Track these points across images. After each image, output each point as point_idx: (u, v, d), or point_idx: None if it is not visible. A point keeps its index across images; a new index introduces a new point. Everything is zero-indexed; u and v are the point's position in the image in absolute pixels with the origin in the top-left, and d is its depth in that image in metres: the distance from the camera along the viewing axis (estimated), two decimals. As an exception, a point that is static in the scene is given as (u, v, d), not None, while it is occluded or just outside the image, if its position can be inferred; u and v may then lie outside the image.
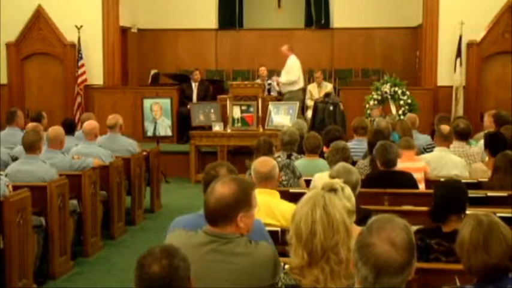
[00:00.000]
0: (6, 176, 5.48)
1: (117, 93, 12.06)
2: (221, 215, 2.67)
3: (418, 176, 5.52)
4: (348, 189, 3.16)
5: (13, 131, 7.60)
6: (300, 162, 5.82)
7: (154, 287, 2.09)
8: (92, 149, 6.97)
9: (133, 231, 7.39)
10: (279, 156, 5.87)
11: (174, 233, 2.87)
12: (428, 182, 5.65)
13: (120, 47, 12.68)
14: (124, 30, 13.57)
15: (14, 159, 6.36)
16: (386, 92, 9.90)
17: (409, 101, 9.87)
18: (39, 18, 12.15)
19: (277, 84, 11.46)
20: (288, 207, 3.85)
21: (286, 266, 2.60)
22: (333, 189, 2.88)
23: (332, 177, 3.81)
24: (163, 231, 3.39)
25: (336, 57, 14.79)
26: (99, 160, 6.78)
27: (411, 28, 13.70)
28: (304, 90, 11.64)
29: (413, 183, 5.37)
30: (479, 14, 11.33)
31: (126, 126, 8.69)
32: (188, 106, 11.01)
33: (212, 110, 10.39)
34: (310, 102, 11.57)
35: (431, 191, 4.08)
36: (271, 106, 10.18)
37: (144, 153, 8.14)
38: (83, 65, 12.01)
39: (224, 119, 10.20)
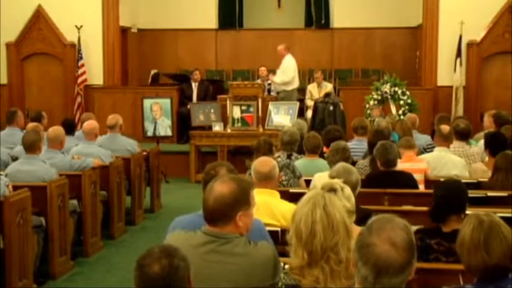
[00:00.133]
0: (6, 176, 5.48)
1: (117, 93, 12.06)
2: (220, 214, 2.66)
3: (417, 177, 5.52)
4: (347, 189, 3.16)
5: (13, 131, 7.60)
6: (300, 162, 5.82)
7: (154, 287, 2.09)
8: (92, 149, 6.97)
9: (133, 231, 7.39)
10: (279, 156, 5.87)
11: (173, 234, 2.87)
12: (428, 183, 5.65)
13: (120, 47, 12.69)
14: (124, 30, 13.57)
15: (14, 159, 6.36)
16: (386, 92, 9.90)
17: (409, 101, 9.87)
18: (39, 18, 12.15)
19: (270, 82, 11.49)
20: (288, 207, 3.85)
21: (286, 266, 2.60)
22: (332, 189, 2.88)
23: (332, 177, 3.81)
24: (163, 231, 3.40)
25: (336, 57, 14.79)
26: (99, 160, 6.78)
27: (411, 28, 13.71)
28: (298, 90, 11.65)
29: (413, 183, 5.36)
30: (479, 14, 11.33)
31: (126, 126, 8.69)
32: (188, 106, 11.01)
33: (212, 110, 10.39)
34: (310, 102, 11.57)
35: (431, 191, 4.08)
36: (271, 106, 10.18)
37: (144, 153, 8.13)
38: (83, 65, 12.01)
39: (224, 119, 10.20)
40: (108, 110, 10.21)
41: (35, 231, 5.32)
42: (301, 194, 2.72)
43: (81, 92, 11.99)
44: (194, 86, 11.88)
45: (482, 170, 5.88)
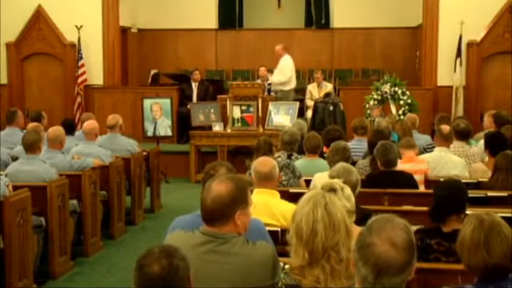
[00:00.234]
0: (6, 176, 5.48)
1: (117, 93, 12.06)
2: (218, 214, 2.65)
3: (418, 178, 5.52)
4: (347, 190, 3.16)
5: (13, 131, 7.60)
6: (300, 162, 5.82)
7: (154, 287, 2.08)
8: (92, 149, 6.96)
9: (133, 231, 7.39)
10: (279, 156, 5.86)
11: (173, 234, 2.86)
12: (428, 183, 5.65)
13: (120, 47, 12.69)
14: (124, 30, 13.57)
15: (14, 159, 6.36)
16: (386, 92, 9.90)
17: (409, 101, 9.86)
18: (39, 18, 12.15)
19: (270, 82, 11.50)
20: (288, 207, 3.85)
21: (287, 266, 2.60)
22: (332, 189, 2.88)
23: (332, 177, 3.81)
24: (163, 231, 3.40)
25: (336, 57, 14.80)
26: (99, 160, 6.78)
27: (411, 28, 13.71)
28: (298, 90, 11.64)
29: (413, 184, 5.36)
30: (479, 14, 11.33)
31: (126, 126, 8.69)
32: (188, 106, 11.01)
33: (212, 110, 10.39)
34: (310, 102, 11.57)
35: (431, 191, 4.08)
36: (271, 106, 10.18)
37: (144, 153, 8.13)
38: (83, 65, 12.01)
39: (224, 119, 10.20)
40: (108, 110, 10.21)
41: (35, 231, 5.32)
42: (301, 194, 2.72)
43: (81, 92, 11.99)
44: (194, 86, 11.88)
45: (482, 170, 5.88)
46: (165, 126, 10.25)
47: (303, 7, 15.24)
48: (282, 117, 10.02)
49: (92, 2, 12.10)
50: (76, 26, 11.94)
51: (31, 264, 5.19)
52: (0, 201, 4.88)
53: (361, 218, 3.11)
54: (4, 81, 12.33)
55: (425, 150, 6.95)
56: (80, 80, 12.00)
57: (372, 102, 9.88)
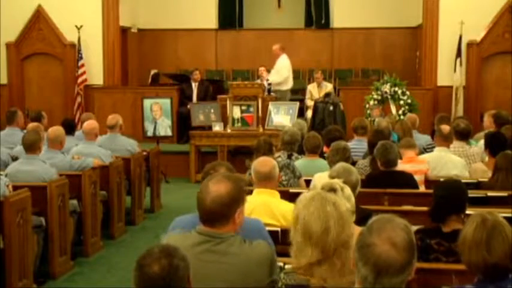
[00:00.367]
0: (6, 176, 5.48)
1: (117, 93, 12.06)
2: (219, 214, 2.64)
3: (418, 178, 5.52)
4: (347, 190, 3.17)
5: (13, 131, 7.60)
6: (300, 162, 5.82)
7: (154, 287, 2.08)
8: (92, 149, 6.96)
9: (133, 231, 7.39)
10: (279, 156, 5.86)
11: (169, 237, 2.82)
12: (428, 183, 5.64)
13: (120, 47, 12.68)
14: (124, 30, 13.57)
15: (14, 159, 6.36)
16: (386, 92, 9.90)
17: (409, 101, 9.86)
18: (39, 18, 12.14)
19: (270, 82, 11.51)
20: (288, 207, 3.84)
21: (287, 266, 2.59)
22: (332, 189, 2.89)
23: (332, 177, 3.81)
24: (163, 231, 3.40)
25: (336, 57, 14.80)
26: (99, 160, 6.78)
27: (411, 28, 13.71)
28: (298, 90, 11.64)
29: (413, 184, 5.36)
30: (479, 14, 11.32)
31: (126, 126, 8.69)
32: (188, 106, 11.01)
33: (212, 110, 10.39)
34: (310, 102, 11.57)
35: (431, 191, 4.08)
36: (271, 106, 10.18)
37: (144, 153, 8.13)
38: (83, 65, 12.00)
39: (224, 119, 10.20)
40: (108, 110, 10.20)
41: (35, 231, 5.32)
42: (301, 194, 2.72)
43: (81, 92, 11.99)
44: (194, 86, 11.88)
45: (482, 170, 5.88)
46: (165, 126, 10.25)
47: (303, 7, 15.24)
48: (282, 117, 10.02)
49: (92, 2, 12.10)
50: (76, 26, 11.93)
51: (31, 264, 5.19)
52: (0, 201, 4.88)
53: (361, 218, 3.11)
54: (4, 81, 12.33)
55: (425, 150, 6.94)
56: (80, 80, 12.00)
57: (372, 102, 9.88)
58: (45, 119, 8.08)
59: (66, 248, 5.83)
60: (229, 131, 10.03)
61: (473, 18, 11.31)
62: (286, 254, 2.73)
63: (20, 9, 12.05)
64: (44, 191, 5.50)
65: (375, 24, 14.23)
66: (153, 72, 13.59)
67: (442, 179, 4.93)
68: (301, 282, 2.50)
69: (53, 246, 5.62)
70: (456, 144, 6.40)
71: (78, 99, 11.99)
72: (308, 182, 5.34)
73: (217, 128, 10.08)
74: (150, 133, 10.22)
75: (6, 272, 4.87)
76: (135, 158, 7.62)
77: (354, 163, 5.41)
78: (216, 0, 14.92)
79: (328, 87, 11.86)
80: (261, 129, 9.89)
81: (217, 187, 2.65)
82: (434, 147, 6.55)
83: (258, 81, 11.81)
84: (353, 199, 3.21)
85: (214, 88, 12.07)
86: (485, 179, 5.47)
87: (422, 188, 5.55)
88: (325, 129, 6.97)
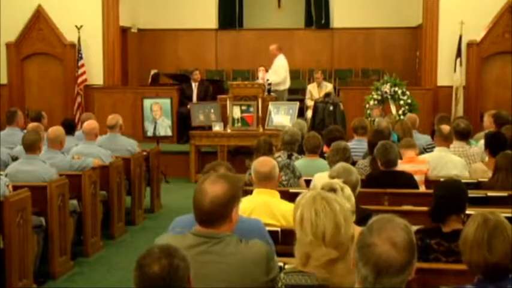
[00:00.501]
0: (6, 176, 5.48)
1: (117, 93, 12.06)
2: (218, 215, 2.65)
3: (418, 178, 5.51)
4: (347, 190, 3.17)
5: (13, 131, 7.60)
6: (300, 162, 5.82)
7: (154, 287, 2.08)
8: (92, 149, 6.96)
9: (133, 231, 7.39)
10: (279, 156, 5.87)
11: (163, 239, 2.80)
12: (428, 183, 5.64)
13: (120, 47, 12.68)
14: (124, 30, 13.57)
15: (14, 159, 6.36)
16: (386, 92, 9.90)
17: (409, 101, 9.87)
18: (39, 18, 12.14)
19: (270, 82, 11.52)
20: (288, 207, 3.84)
21: (287, 266, 2.59)
22: (332, 189, 2.89)
23: (332, 177, 3.81)
24: (163, 231, 3.39)
25: (336, 57, 14.80)
26: (99, 160, 6.78)
27: (411, 28, 13.71)
28: (298, 90, 11.65)
29: (413, 184, 5.36)
30: (479, 14, 11.32)
31: (126, 126, 8.69)
32: (188, 106, 11.01)
33: (212, 110, 10.39)
34: (310, 102, 11.57)
35: (431, 191, 4.08)
36: (271, 106, 10.18)
37: (144, 153, 8.13)
38: (82, 65, 12.01)
39: (224, 119, 10.20)
40: (108, 110, 10.21)
41: (35, 231, 5.32)
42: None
43: (81, 92, 11.99)
44: (194, 86, 11.88)
45: (482, 170, 5.87)
46: (165, 126, 10.25)
47: (303, 7, 15.25)
48: (282, 117, 10.02)
49: (92, 2, 12.10)
50: (76, 26, 11.93)
51: (31, 264, 5.19)
52: (0, 201, 4.88)
53: (361, 218, 3.11)
54: (4, 81, 12.33)
55: (425, 150, 6.94)
56: (80, 80, 12.00)
57: (372, 102, 9.89)
58: (45, 119, 8.08)
59: (66, 248, 5.83)
60: (229, 131, 10.03)
61: (473, 18, 11.32)
62: (286, 254, 2.72)
63: (20, 9, 12.05)
64: (44, 191, 5.50)
65: (374, 24, 14.24)
66: (153, 72, 13.59)
67: (442, 179, 4.92)
68: (295, 283, 2.49)
69: (53, 246, 5.62)
70: (456, 144, 6.40)
71: (78, 99, 11.99)
72: (308, 182, 5.34)
73: (217, 128, 10.08)
74: (150, 133, 10.22)
75: (6, 272, 4.87)
76: (135, 158, 7.62)
77: (354, 163, 5.41)
78: (216, 0, 14.92)
79: (328, 87, 11.86)
80: (261, 129, 9.89)
81: (213, 188, 2.66)
82: (434, 147, 6.55)
83: (258, 81, 11.81)
84: (353, 199, 3.21)
85: (214, 88, 12.07)
86: (485, 179, 5.47)
87: (422, 188, 5.55)
88: (326, 129, 6.98)
